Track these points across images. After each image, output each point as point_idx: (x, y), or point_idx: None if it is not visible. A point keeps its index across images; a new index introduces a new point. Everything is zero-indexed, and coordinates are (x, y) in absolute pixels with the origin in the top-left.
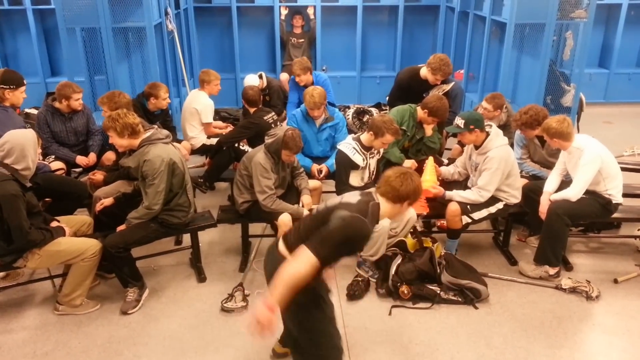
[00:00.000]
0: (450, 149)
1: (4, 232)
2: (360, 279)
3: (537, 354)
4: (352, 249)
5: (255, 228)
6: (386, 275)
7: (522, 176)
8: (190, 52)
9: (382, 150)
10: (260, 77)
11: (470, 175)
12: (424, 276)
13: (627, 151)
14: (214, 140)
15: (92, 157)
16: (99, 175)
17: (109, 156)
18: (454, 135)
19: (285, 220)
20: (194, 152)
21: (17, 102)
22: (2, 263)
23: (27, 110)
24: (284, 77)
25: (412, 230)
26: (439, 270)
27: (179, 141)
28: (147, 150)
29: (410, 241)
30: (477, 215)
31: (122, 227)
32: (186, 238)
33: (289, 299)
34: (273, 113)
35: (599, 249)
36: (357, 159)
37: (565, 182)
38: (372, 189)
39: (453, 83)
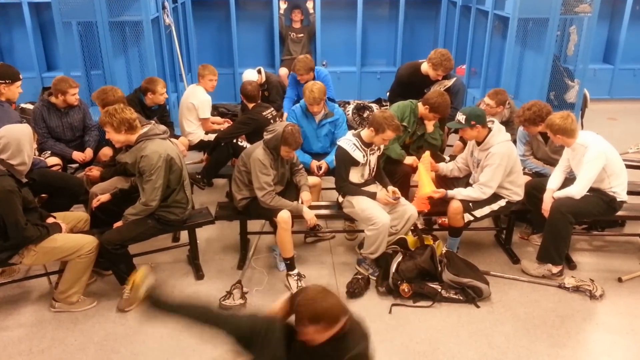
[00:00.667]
0: (452, 146)
1: (0, 228)
2: (360, 276)
3: (540, 353)
4: None
5: (253, 225)
6: (386, 273)
7: (524, 173)
8: (188, 46)
9: (382, 147)
10: (259, 72)
11: (472, 172)
12: (425, 274)
13: (632, 148)
14: (211, 136)
15: (89, 152)
16: (95, 171)
17: (106, 152)
18: (456, 131)
19: (284, 217)
20: (192, 148)
21: (12, 97)
22: None
23: (22, 105)
24: (283, 72)
25: (413, 227)
26: (440, 268)
27: (177, 137)
28: (144, 146)
29: (411, 239)
30: (479, 212)
31: (119, 224)
32: (184, 235)
33: None
34: (272, 109)
35: (603, 247)
36: (358, 155)
37: (569, 180)
38: None
39: (455, 79)
